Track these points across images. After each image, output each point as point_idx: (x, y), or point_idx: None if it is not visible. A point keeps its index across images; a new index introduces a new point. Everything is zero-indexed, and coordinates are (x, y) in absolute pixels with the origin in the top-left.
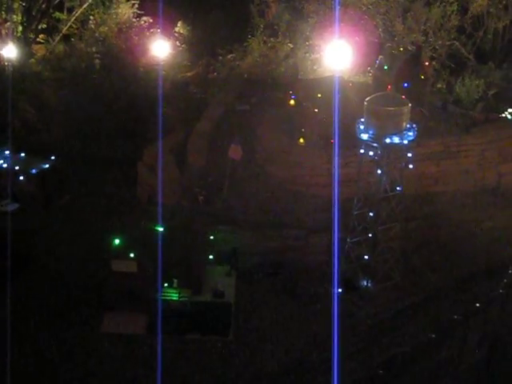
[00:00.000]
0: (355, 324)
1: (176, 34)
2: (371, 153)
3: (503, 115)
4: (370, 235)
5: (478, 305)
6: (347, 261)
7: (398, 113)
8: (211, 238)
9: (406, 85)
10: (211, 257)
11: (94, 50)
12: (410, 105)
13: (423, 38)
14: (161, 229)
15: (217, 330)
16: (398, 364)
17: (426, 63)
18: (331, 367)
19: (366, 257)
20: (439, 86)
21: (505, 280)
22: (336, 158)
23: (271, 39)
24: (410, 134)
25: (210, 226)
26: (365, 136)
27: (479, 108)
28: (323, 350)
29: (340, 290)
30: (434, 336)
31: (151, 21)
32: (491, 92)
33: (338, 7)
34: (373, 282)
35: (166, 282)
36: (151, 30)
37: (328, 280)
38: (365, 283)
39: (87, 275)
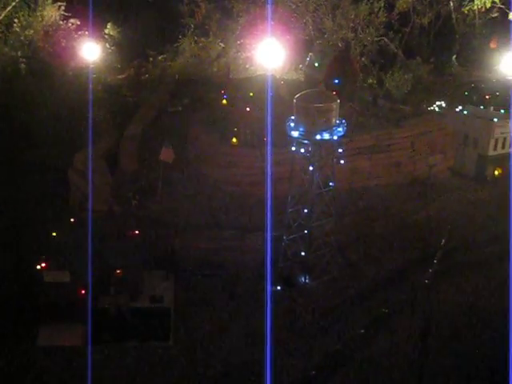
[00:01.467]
0: (294, 321)
1: (106, 36)
2: (303, 150)
3: (432, 108)
4: (305, 232)
5: (405, 297)
6: (284, 258)
7: (327, 109)
8: (145, 241)
9: (336, 81)
10: (147, 261)
11: (19, 54)
12: (338, 101)
13: (352, 34)
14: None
15: (156, 335)
16: (331, 362)
17: (355, 59)
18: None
19: (303, 253)
20: (370, 81)
21: (430, 270)
22: (269, 157)
23: (202, 39)
24: (340, 129)
25: (144, 230)
26: (295, 133)
27: (409, 102)
28: (263, 349)
29: (279, 288)
30: (366, 330)
31: (79, 23)
32: (420, 86)
33: (268, 6)
34: (310, 278)
35: (102, 290)
36: (79, 33)
37: (265, 278)
38: (303, 279)
39: (19, 287)
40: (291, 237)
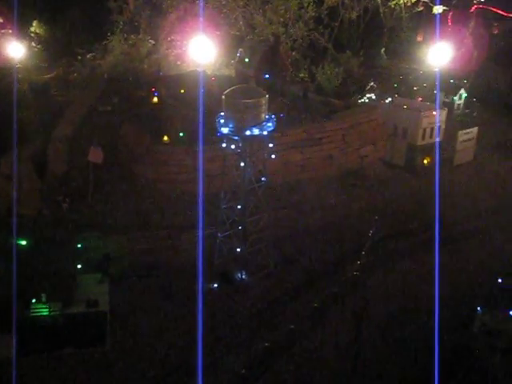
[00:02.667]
0: (232, 317)
1: (32, 34)
2: (233, 146)
3: (362, 100)
4: (239, 228)
5: (335, 290)
6: (220, 255)
7: (256, 104)
8: (78, 246)
9: (266, 76)
10: (80, 266)
11: None
12: (267, 96)
13: (283, 29)
14: (23, 242)
15: (93, 341)
16: (270, 356)
17: (285, 54)
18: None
19: (238, 249)
20: (302, 75)
21: (358, 262)
22: (201, 154)
23: (132, 36)
24: (270, 124)
25: (76, 233)
26: (225, 130)
27: (340, 95)
28: (203, 348)
29: (215, 285)
30: (302, 323)
31: (1, 21)
32: (350, 79)
33: (198, 2)
34: (247, 274)
35: (34, 298)
36: (2, 31)
37: (203, 277)
38: (239, 276)
39: None
40: (226, 233)
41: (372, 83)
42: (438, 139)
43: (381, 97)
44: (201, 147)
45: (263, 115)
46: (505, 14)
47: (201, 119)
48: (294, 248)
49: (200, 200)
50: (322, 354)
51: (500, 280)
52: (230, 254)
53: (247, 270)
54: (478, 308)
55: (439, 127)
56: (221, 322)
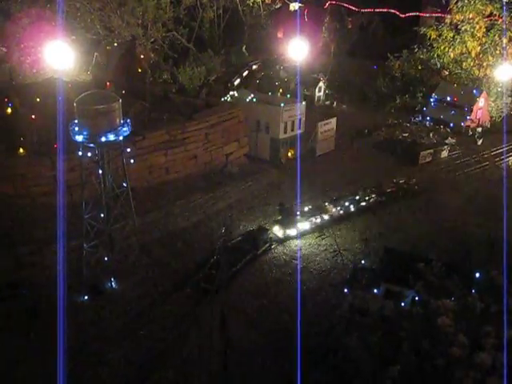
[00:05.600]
0: (104, 329)
1: None
2: (90, 154)
3: (225, 99)
4: (105, 237)
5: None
6: (88, 266)
7: (109, 109)
8: None
9: (127, 79)
10: None
11: None
12: (120, 100)
13: (142, 30)
14: None
15: None
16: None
17: (142, 56)
18: None
19: (106, 258)
20: (164, 76)
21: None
22: (60, 164)
23: None
24: (125, 129)
25: None
26: (80, 138)
27: (202, 94)
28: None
29: (86, 297)
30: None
31: None
32: (212, 78)
33: (50, 6)
34: (117, 283)
35: None
36: None
37: (71, 290)
38: (109, 285)
39: None
40: (91, 244)
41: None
42: (299, 131)
43: (243, 93)
44: (60, 157)
45: (118, 120)
46: (356, 9)
47: (59, 128)
48: (164, 251)
49: (60, 212)
50: (197, 356)
51: (363, 261)
52: (98, 264)
53: (117, 278)
54: (345, 290)
55: (300, 120)
56: (94, 334)
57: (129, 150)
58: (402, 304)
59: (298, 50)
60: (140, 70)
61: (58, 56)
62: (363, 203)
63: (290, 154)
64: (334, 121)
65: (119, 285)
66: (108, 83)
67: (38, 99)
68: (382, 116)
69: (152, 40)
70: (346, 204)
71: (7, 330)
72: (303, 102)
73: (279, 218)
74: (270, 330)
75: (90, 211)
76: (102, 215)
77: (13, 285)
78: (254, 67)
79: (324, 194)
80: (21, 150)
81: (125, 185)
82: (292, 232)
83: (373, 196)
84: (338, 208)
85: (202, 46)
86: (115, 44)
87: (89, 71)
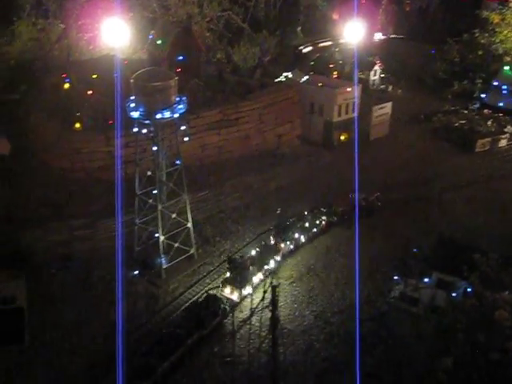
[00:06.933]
0: (154, 304)
1: None
2: (145, 130)
3: (278, 80)
4: (157, 213)
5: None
6: (139, 242)
7: (166, 86)
8: None
9: (181, 58)
10: None
11: None
12: (176, 78)
13: (198, 9)
14: None
15: (11, 338)
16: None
17: (199, 35)
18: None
19: (157, 235)
20: (218, 56)
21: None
22: (118, 140)
23: (41, 21)
24: (181, 106)
25: None
26: (135, 114)
27: (257, 74)
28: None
29: (136, 272)
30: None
31: None
32: (266, 58)
33: None
34: (167, 259)
35: None
36: None
37: (124, 265)
38: (159, 261)
39: None
40: (143, 219)
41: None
42: (356, 114)
43: (297, 75)
44: (117, 133)
45: (173, 97)
46: None
47: (116, 104)
48: (214, 230)
49: (119, 187)
50: None
51: (414, 250)
52: (149, 239)
53: (167, 255)
54: (395, 277)
55: (355, 103)
56: (144, 308)
57: (184, 127)
58: (454, 295)
59: (354, 32)
60: (195, 49)
61: (115, 33)
62: (314, 229)
63: (342, 138)
64: (389, 105)
65: (169, 261)
66: (163, 61)
67: (94, 75)
68: (439, 102)
69: (207, 19)
70: (296, 236)
71: (60, 301)
72: (358, 85)
73: (229, 275)
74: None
75: (143, 187)
76: (155, 192)
77: (66, 257)
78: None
79: (375, 181)
80: (77, 125)
81: (178, 162)
82: (247, 290)
83: (323, 218)
84: (288, 242)
85: (257, 27)
86: (172, 22)
87: (144, 49)
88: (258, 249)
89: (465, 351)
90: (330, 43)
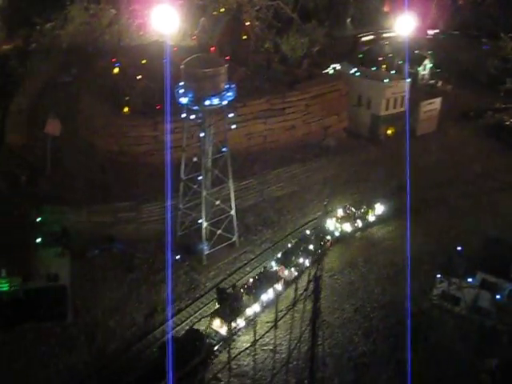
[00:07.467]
0: (193, 289)
1: None
2: (193, 116)
3: (326, 71)
4: (201, 199)
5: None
6: (182, 227)
7: (216, 73)
8: (37, 219)
9: (231, 45)
10: (39, 239)
11: None
12: (226, 65)
13: None
14: None
15: (54, 315)
16: None
17: (247, 23)
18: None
19: (200, 221)
20: (267, 45)
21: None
22: (167, 125)
23: (92, 5)
24: (230, 94)
25: (34, 207)
26: (184, 100)
27: (304, 65)
28: (164, 320)
29: (178, 257)
30: None
31: None
32: (315, 49)
33: None
34: (209, 245)
35: None
36: None
37: (164, 249)
38: (202, 247)
39: None
40: (188, 205)
41: None
42: (407, 108)
43: (345, 67)
44: (166, 118)
45: (222, 85)
46: None
47: (166, 90)
48: (256, 218)
49: (168, 172)
50: None
51: (459, 248)
52: (192, 225)
53: (209, 241)
54: (438, 275)
55: (404, 97)
56: (185, 292)
57: (232, 115)
58: (498, 296)
59: (405, 25)
60: (244, 38)
61: (165, 20)
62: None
63: (389, 132)
64: (438, 101)
65: (210, 247)
66: (212, 48)
67: (143, 61)
68: (490, 99)
69: (257, 8)
70: (300, 261)
71: (102, 281)
72: (408, 80)
73: (218, 307)
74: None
75: (189, 173)
76: (200, 178)
77: (109, 238)
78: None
79: (421, 177)
80: (125, 109)
81: (224, 149)
82: (240, 322)
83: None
84: (292, 269)
85: (306, 17)
86: (221, 10)
87: (194, 36)
88: (256, 276)
89: (510, 353)
90: (388, 35)
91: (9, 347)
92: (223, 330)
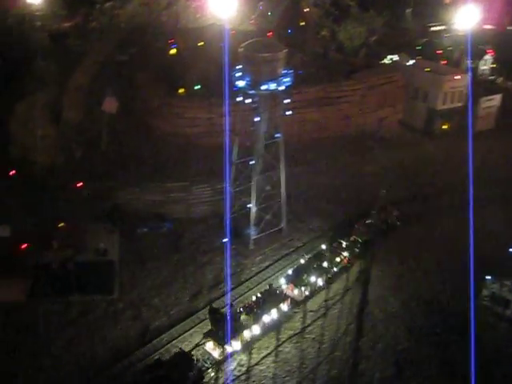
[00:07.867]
0: (239, 273)
1: None
2: (249, 100)
3: (384, 61)
4: (251, 183)
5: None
6: (231, 210)
7: (274, 58)
8: (90, 194)
9: (289, 31)
10: (91, 215)
11: None
12: (285, 51)
13: None
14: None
15: (101, 289)
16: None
17: (306, 10)
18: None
19: (249, 205)
20: (323, 33)
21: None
22: (225, 108)
23: None
24: (287, 79)
25: (88, 182)
26: (241, 83)
27: (361, 54)
28: (210, 301)
29: (225, 240)
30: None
31: None
32: (373, 38)
33: None
34: (257, 230)
35: (45, 244)
36: None
37: (212, 231)
38: (249, 231)
39: None
40: (238, 189)
41: None
42: (470, 103)
43: (403, 58)
44: (224, 101)
45: (280, 70)
46: None
47: (223, 73)
48: (305, 206)
49: (226, 155)
50: None
51: (511, 250)
52: (241, 209)
53: (257, 226)
54: (488, 277)
55: (463, 92)
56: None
57: (288, 100)
58: None
59: (466, 18)
60: (302, 24)
61: (223, 3)
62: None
63: (445, 127)
64: (498, 97)
65: (258, 232)
66: (270, 33)
67: (200, 43)
68: None
69: None
70: (312, 279)
71: (150, 259)
72: (468, 74)
73: (212, 328)
74: None
75: (241, 157)
76: (252, 162)
77: (159, 217)
78: None
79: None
80: (181, 91)
81: (278, 135)
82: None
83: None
84: (303, 289)
85: (365, 6)
86: None
87: (252, 20)
88: (259, 294)
89: None
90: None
91: (57, 317)
92: (216, 354)
